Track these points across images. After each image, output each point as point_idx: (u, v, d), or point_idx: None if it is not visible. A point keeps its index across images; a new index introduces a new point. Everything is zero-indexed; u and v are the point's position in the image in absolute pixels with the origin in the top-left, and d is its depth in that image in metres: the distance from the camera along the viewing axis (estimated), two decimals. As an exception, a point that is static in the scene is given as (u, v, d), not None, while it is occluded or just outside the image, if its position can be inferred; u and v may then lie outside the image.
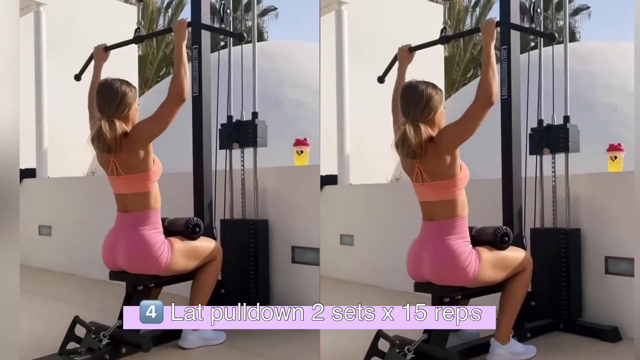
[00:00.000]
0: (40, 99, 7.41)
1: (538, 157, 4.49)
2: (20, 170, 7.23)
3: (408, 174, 3.48)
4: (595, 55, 6.58)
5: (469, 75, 17.23)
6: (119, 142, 3.46)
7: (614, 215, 4.13)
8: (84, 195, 6.27)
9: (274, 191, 4.68)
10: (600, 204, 4.24)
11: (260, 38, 17.97)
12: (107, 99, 3.51)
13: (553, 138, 4.38)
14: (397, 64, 3.94)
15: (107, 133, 3.44)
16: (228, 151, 4.70)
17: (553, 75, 4.45)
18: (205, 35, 4.32)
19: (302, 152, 5.94)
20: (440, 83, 11.03)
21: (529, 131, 4.47)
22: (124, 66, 10.12)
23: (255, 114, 4.61)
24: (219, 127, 4.67)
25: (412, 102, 3.35)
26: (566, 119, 4.39)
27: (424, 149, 3.30)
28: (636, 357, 3.02)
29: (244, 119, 4.65)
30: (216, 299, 4.14)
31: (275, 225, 4.60)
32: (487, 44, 3.48)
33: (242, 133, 4.60)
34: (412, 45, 3.90)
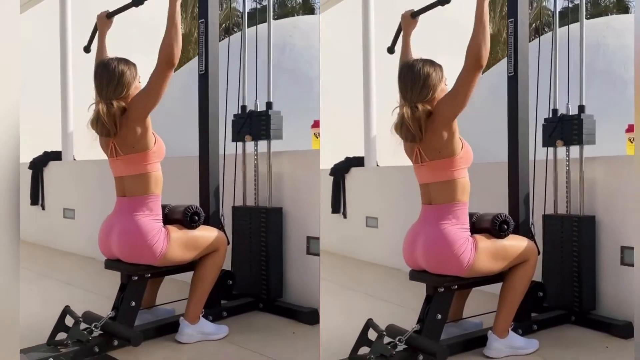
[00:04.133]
0: (65, 81, 7.41)
1: (552, 149, 4.30)
2: (46, 152, 7.32)
3: (409, 156, 3.34)
4: (631, 30, 6.27)
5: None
6: (117, 124, 3.34)
7: (631, 202, 3.89)
8: (108, 178, 6.23)
9: (289, 176, 4.47)
10: (618, 189, 4.01)
11: (312, 13, 17.70)
12: (105, 80, 3.35)
13: (567, 129, 4.16)
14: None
15: (105, 116, 3.31)
16: (241, 144, 4.54)
17: (568, 62, 4.22)
18: (213, 9, 4.16)
19: (319, 134, 5.77)
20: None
21: (543, 122, 4.28)
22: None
23: (269, 104, 4.43)
24: (232, 118, 4.51)
25: (409, 82, 3.20)
26: (581, 108, 4.19)
27: (423, 132, 3.16)
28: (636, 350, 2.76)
29: (258, 109, 4.45)
30: (223, 291, 4.11)
31: (290, 213, 4.40)
32: (480, 1, 3.21)
33: (255, 125, 4.40)
34: (415, 10, 3.68)
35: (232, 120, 4.52)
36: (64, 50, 7.46)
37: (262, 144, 4.48)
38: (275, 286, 4.29)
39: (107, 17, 3.90)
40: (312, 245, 4.29)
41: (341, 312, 4.51)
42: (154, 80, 3.36)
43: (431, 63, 3.24)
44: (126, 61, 3.43)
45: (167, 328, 3.72)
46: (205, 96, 4.15)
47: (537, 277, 3.89)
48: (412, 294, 4.87)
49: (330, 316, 4.34)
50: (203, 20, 4.15)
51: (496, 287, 3.57)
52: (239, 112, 4.54)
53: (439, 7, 3.63)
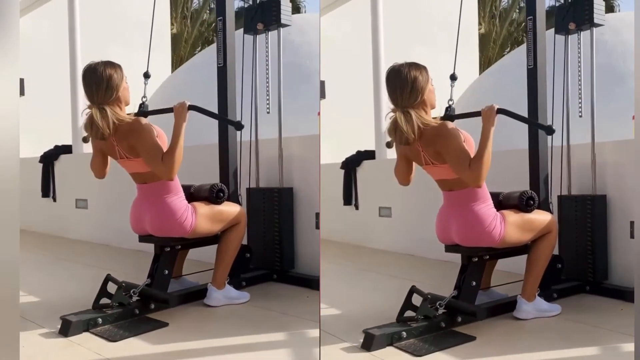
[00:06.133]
0: (75, 77, 7.50)
1: (564, 37, 4.44)
2: (57, 146, 7.43)
3: (411, 157, 3.50)
4: (628, 27, 6.53)
5: (505, 53, 16.93)
6: (112, 128, 3.48)
7: (638, 181, 4.11)
8: (118, 169, 6.35)
9: (298, 159, 4.73)
10: (626, 170, 4.23)
11: (298, 13, 17.85)
12: (94, 85, 3.48)
13: (578, 11, 4.32)
14: None
15: (99, 120, 3.45)
16: (253, 37, 4.72)
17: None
18: (230, 7, 4.38)
19: (327, 120, 5.94)
20: (475, 60, 10.98)
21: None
22: (155, 45, 10.24)
23: None
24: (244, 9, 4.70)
25: (398, 88, 3.34)
26: None
27: (417, 135, 3.32)
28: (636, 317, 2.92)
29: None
30: (242, 264, 4.29)
31: (299, 192, 4.66)
32: (486, 129, 3.39)
33: (266, 12, 4.58)
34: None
35: (244, 12, 4.71)
36: (72, 47, 7.57)
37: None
38: (288, 258, 4.56)
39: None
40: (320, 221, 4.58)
41: (361, 289, 4.74)
42: (150, 163, 3.52)
43: (416, 66, 3.39)
44: (112, 64, 3.57)
45: (195, 295, 3.94)
46: (224, 87, 4.38)
47: (555, 251, 4.08)
48: (426, 275, 5.13)
49: (351, 292, 4.54)
50: (221, 17, 4.38)
51: (515, 266, 3.82)
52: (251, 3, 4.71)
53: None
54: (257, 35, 4.74)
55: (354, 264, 5.92)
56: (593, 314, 3.75)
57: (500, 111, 3.43)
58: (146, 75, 4.18)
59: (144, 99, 4.00)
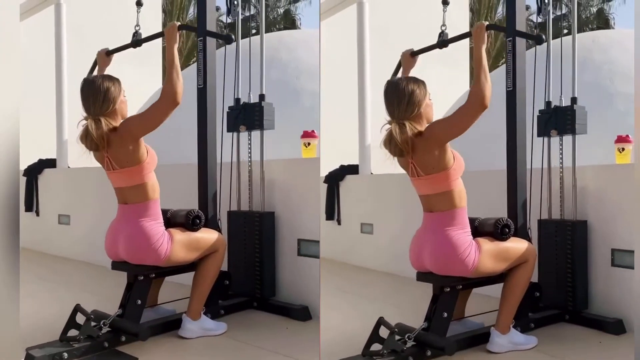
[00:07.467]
0: (60, 90, 7.47)
1: (545, 139, 4.44)
2: (41, 160, 7.38)
3: (404, 169, 3.49)
4: (617, 45, 6.50)
5: (500, 63, 16.92)
6: (105, 139, 3.47)
7: (621, 207, 4.07)
8: (103, 185, 6.27)
9: (281, 183, 4.65)
10: (608, 195, 4.18)
11: (293, 26, 17.93)
12: (91, 97, 3.50)
13: (560, 120, 4.34)
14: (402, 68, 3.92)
15: (94, 132, 3.44)
16: (235, 135, 4.70)
17: (561, 60, 4.41)
18: (211, 27, 4.31)
19: (309, 144, 5.90)
20: (467, 71, 10.96)
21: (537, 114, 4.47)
22: (148, 56, 10.23)
23: (262, 97, 4.59)
24: (227, 110, 4.69)
25: (395, 100, 3.37)
26: (573, 100, 4.35)
27: (410, 146, 3.31)
28: (636, 348, 2.92)
29: (252, 102, 4.63)
30: (221, 290, 4.22)
31: (281, 217, 4.57)
32: (477, 47, 3.44)
33: (248, 115, 4.58)
34: (414, 50, 3.89)
35: (227, 112, 4.70)
36: (59, 59, 7.53)
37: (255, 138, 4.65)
38: (269, 286, 4.47)
39: (106, 55, 4.07)
40: (302, 247, 4.48)
41: (339, 313, 4.66)
42: (154, 113, 3.52)
43: (414, 80, 3.43)
44: (110, 77, 3.58)
45: (170, 325, 3.86)
46: (203, 109, 4.31)
47: (534, 278, 4.02)
48: (409, 297, 5.06)
49: (328, 316, 4.48)
50: (202, 38, 4.30)
51: (494, 290, 3.72)
52: (234, 104, 4.69)
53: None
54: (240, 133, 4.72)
55: (332, 284, 5.81)
56: (570, 347, 3.68)
57: (490, 27, 3.53)
58: (138, 4, 4.26)
59: (137, 28, 4.09)
